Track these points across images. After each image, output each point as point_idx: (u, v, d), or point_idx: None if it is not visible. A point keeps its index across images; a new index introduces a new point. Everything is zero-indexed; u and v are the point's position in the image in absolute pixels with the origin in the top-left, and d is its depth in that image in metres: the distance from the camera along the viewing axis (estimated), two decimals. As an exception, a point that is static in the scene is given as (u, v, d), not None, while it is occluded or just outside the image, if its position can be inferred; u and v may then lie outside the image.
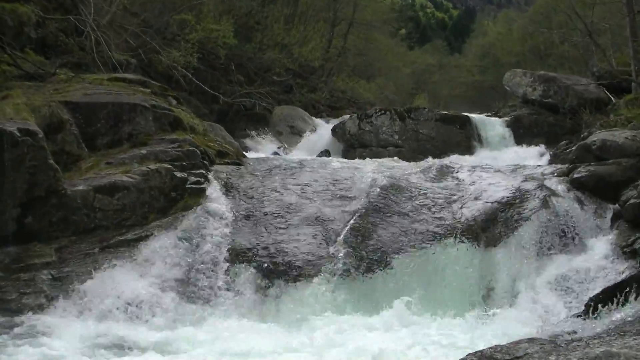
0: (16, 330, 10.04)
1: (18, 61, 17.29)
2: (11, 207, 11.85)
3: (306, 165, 16.16)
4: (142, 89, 16.80)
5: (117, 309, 10.94)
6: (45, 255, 11.78)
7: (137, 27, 27.15)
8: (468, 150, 26.26)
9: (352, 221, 13.41)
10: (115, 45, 24.15)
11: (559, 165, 16.72)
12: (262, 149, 26.42)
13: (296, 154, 24.39)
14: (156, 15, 30.04)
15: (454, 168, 16.35)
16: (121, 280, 11.42)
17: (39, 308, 10.64)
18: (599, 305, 10.43)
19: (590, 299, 10.90)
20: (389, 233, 13.15)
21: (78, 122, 14.18)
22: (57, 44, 21.68)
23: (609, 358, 4.86)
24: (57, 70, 17.64)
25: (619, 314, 9.84)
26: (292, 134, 29.90)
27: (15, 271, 11.30)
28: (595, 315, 10.25)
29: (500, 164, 18.87)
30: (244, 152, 19.47)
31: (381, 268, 12.33)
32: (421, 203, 14.25)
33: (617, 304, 10.38)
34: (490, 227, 13.19)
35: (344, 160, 19.21)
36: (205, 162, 14.85)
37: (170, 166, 13.79)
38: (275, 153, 22.10)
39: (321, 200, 14.25)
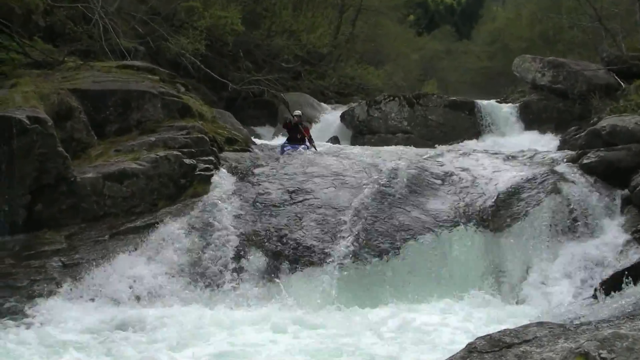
0: (27, 316, 10.14)
1: (26, 49, 17.34)
2: (21, 195, 11.92)
3: (315, 153, 16.12)
4: (150, 76, 16.82)
5: (127, 294, 11.03)
6: (56, 242, 11.86)
7: (145, 15, 27.15)
8: (477, 136, 26.19)
9: (360, 207, 13.42)
10: (123, 32, 24.19)
11: (569, 151, 16.67)
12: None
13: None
14: (164, 3, 29.98)
15: (463, 154, 16.36)
16: (131, 266, 11.51)
17: (50, 294, 10.70)
18: (609, 290, 10.43)
19: (600, 284, 10.90)
20: (399, 218, 13.15)
21: (87, 109, 14.22)
22: (66, 32, 21.74)
23: (617, 339, 4.85)
24: (66, 58, 17.69)
25: (629, 298, 9.81)
26: (300, 121, 29.78)
27: (26, 258, 11.38)
28: (605, 299, 10.24)
29: (510, 149, 18.83)
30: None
31: (391, 253, 12.36)
32: (433, 188, 14.26)
33: (627, 288, 10.38)
34: (500, 212, 13.19)
35: (353, 147, 19.18)
36: (214, 149, 14.83)
37: (179, 153, 13.79)
38: None
39: (329, 187, 14.25)
